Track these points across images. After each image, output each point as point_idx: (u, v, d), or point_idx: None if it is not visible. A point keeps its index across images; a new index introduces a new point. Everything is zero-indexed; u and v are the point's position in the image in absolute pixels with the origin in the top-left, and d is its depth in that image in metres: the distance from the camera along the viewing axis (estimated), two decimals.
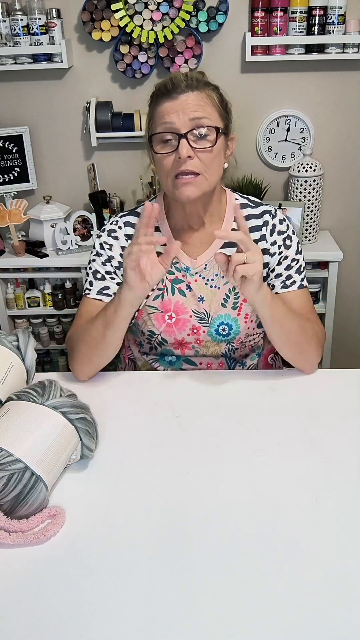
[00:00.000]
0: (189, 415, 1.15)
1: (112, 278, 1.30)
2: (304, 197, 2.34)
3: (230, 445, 1.06)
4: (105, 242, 1.31)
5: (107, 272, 1.30)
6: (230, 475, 0.99)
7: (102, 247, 1.31)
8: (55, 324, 2.59)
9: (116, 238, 1.30)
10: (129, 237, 1.30)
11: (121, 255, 1.29)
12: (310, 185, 2.32)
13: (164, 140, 1.15)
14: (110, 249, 1.30)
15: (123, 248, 1.29)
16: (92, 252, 1.33)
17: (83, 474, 1.01)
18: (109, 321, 1.20)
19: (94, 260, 1.32)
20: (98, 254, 1.31)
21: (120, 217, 1.33)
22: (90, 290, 1.31)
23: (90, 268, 1.32)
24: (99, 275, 1.30)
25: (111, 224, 1.33)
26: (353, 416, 1.13)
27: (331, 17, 2.15)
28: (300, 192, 2.34)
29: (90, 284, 1.31)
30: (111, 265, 1.30)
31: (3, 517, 0.87)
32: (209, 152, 1.15)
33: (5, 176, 2.42)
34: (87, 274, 1.33)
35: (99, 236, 1.33)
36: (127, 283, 1.13)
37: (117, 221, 1.32)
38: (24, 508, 0.89)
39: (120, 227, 1.31)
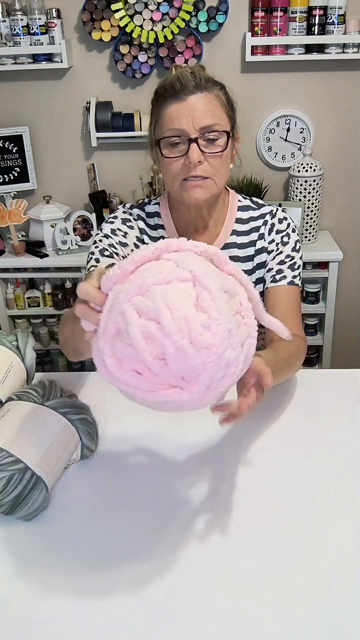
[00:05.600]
0: (189, 415, 1.15)
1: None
2: (304, 197, 2.34)
3: (230, 445, 1.06)
4: (119, 229, 1.25)
5: (116, 253, 1.21)
6: (230, 475, 0.99)
7: (114, 233, 1.24)
8: (55, 324, 2.59)
9: (132, 228, 1.26)
10: (142, 230, 1.27)
11: (135, 245, 1.24)
12: (310, 185, 2.32)
13: (172, 143, 1.13)
14: (124, 236, 1.24)
15: (137, 238, 1.26)
16: (97, 235, 1.24)
17: (83, 474, 1.01)
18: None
19: (100, 241, 1.23)
20: (107, 236, 1.23)
21: (131, 208, 1.28)
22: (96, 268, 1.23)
23: (96, 247, 1.22)
24: (107, 253, 1.20)
25: (124, 212, 1.27)
26: (353, 416, 1.13)
27: (331, 17, 2.15)
28: (300, 192, 2.34)
29: (97, 261, 1.20)
30: (123, 250, 1.22)
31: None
32: (218, 156, 1.13)
33: (5, 176, 2.42)
34: (90, 259, 1.21)
35: (110, 222, 1.26)
36: None
37: (130, 212, 1.28)
38: (24, 508, 0.89)
39: (135, 219, 1.27)
